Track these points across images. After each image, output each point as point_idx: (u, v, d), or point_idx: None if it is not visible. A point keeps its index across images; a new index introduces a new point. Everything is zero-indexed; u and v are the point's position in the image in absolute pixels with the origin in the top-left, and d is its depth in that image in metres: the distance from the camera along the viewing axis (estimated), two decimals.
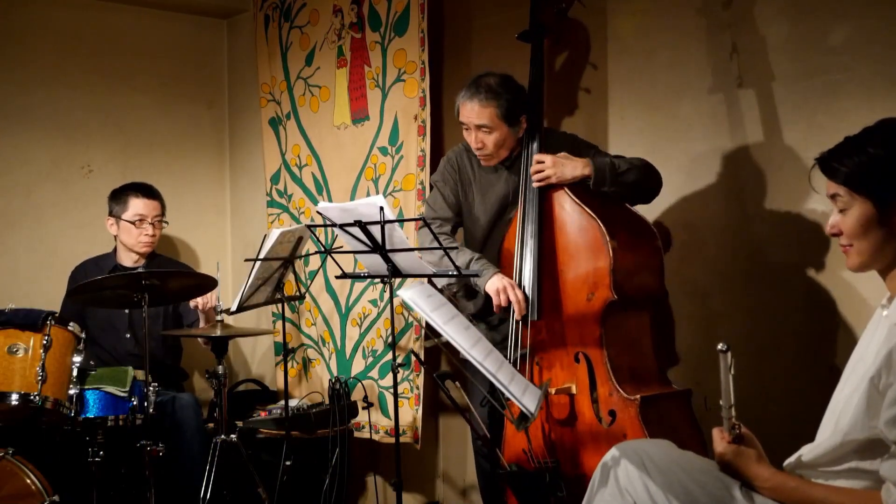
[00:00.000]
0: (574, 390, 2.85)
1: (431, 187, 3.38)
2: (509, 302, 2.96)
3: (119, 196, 4.12)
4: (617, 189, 2.93)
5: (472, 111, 3.09)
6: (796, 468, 2.01)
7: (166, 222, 4.19)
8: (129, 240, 4.08)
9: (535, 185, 2.98)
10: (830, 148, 1.94)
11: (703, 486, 2.04)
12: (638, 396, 2.70)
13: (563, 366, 2.90)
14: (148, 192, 4.13)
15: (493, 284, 2.99)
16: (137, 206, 4.07)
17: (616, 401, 2.74)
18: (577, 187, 2.94)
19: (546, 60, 3.26)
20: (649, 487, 2.07)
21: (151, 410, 3.38)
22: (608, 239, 2.78)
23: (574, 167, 2.94)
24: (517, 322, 2.98)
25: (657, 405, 2.74)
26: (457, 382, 2.88)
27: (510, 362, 2.94)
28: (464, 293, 3.31)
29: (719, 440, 2.06)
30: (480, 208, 3.25)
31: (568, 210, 2.92)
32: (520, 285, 2.98)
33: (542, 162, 2.97)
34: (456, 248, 3.11)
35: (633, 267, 2.84)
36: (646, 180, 3.00)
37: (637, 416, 2.68)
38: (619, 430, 2.71)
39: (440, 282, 3.34)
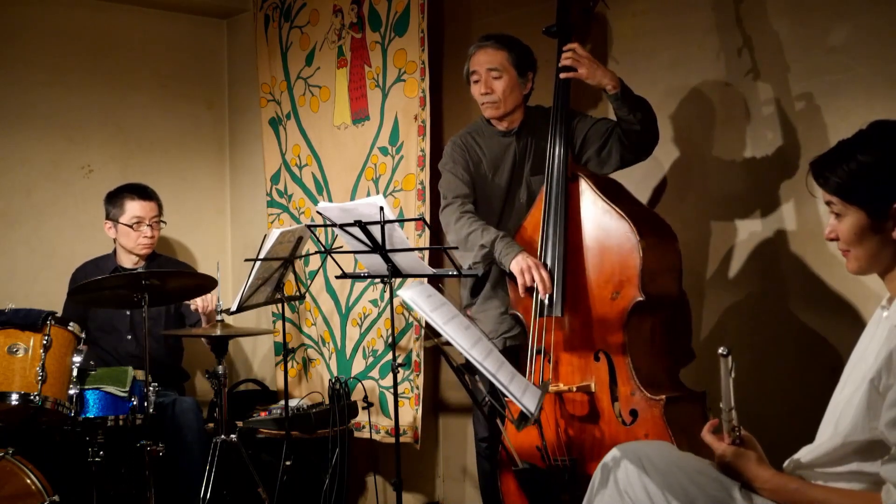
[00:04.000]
0: (593, 388, 2.85)
1: (434, 186, 3.34)
2: (533, 282, 2.89)
3: (115, 199, 4.09)
4: (636, 108, 2.91)
5: (485, 55, 3.14)
6: (796, 469, 2.01)
7: (164, 222, 4.18)
8: (129, 243, 4.07)
9: (561, 75, 2.95)
10: (824, 153, 1.94)
11: (702, 488, 2.04)
12: (663, 397, 2.69)
13: (582, 363, 2.89)
14: (143, 193, 4.10)
15: (518, 264, 2.91)
16: (134, 208, 4.05)
17: (638, 400, 2.74)
18: (603, 184, 2.93)
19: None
20: (648, 489, 2.07)
21: (151, 410, 3.38)
22: (638, 239, 2.77)
23: (604, 73, 2.92)
24: (536, 315, 2.93)
25: (679, 406, 2.74)
26: (476, 376, 2.83)
27: (530, 357, 2.94)
28: (471, 286, 3.29)
29: (717, 442, 2.06)
30: (494, 183, 3.23)
31: (594, 207, 2.90)
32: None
33: (579, 51, 2.93)
34: (456, 248, 3.09)
35: (659, 267, 2.83)
36: (654, 117, 3.00)
37: (661, 417, 2.67)
38: (640, 430, 2.71)
39: (466, 263, 3.31)
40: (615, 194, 2.92)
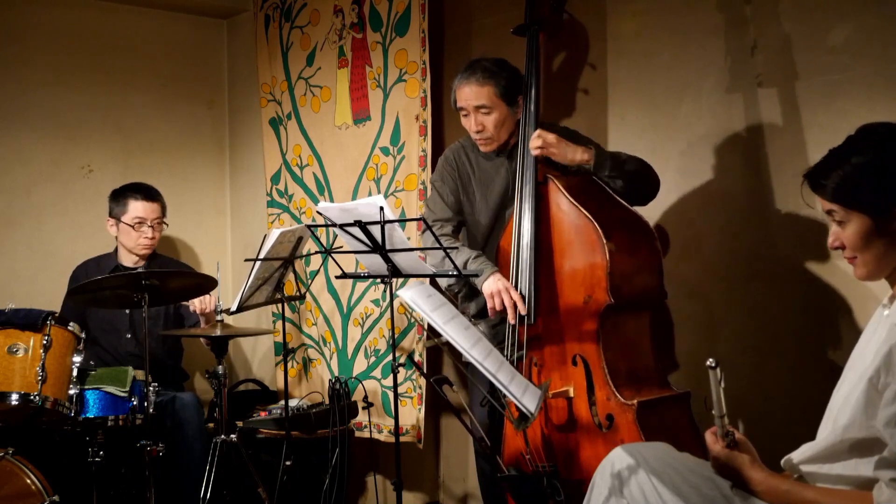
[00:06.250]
0: (571, 394, 2.83)
1: (431, 188, 3.37)
2: (503, 305, 2.93)
3: (119, 197, 4.10)
4: (615, 175, 2.90)
5: (471, 92, 3.08)
6: (794, 465, 2.01)
7: (166, 224, 4.18)
8: (129, 242, 4.08)
9: (533, 152, 2.92)
10: (816, 163, 1.93)
11: (696, 487, 2.06)
12: (635, 402, 2.67)
13: (560, 369, 2.88)
14: (148, 193, 4.11)
15: (489, 287, 2.95)
16: (137, 208, 4.06)
17: (614, 405, 2.71)
18: (574, 186, 2.91)
19: (543, 55, 3.25)
20: (644, 488, 2.09)
21: (151, 410, 3.38)
22: (604, 241, 2.74)
23: (575, 150, 2.92)
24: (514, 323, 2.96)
25: (655, 409, 2.72)
26: (454, 387, 2.86)
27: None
28: (466, 293, 3.30)
29: (714, 443, 2.06)
30: (482, 204, 3.24)
31: (564, 210, 2.89)
32: (516, 286, 2.95)
33: (546, 137, 2.92)
34: (456, 248, 3.10)
35: (631, 269, 2.81)
36: (645, 173, 2.99)
37: (634, 421, 2.65)
38: (616, 435, 2.69)
39: (443, 282, 3.33)
40: (587, 196, 2.88)
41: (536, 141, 2.92)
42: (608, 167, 2.90)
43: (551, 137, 2.92)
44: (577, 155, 2.92)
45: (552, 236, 2.92)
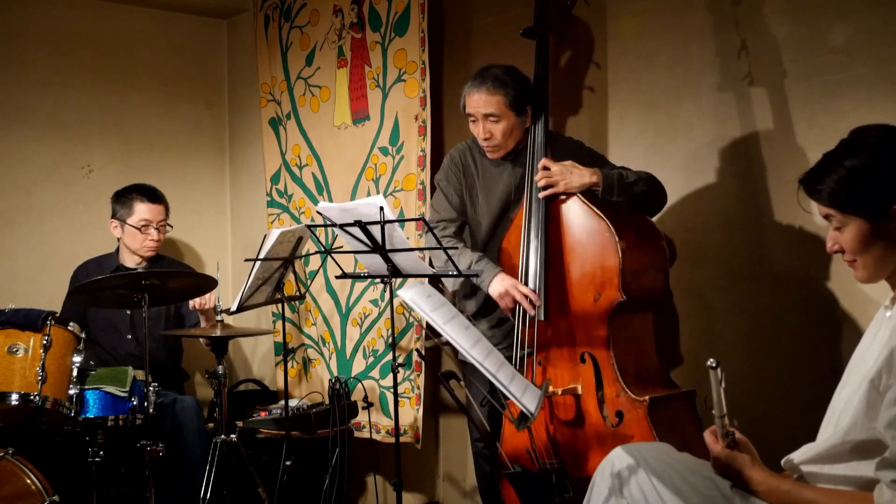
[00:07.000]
0: (580, 391, 2.84)
1: (434, 188, 3.37)
2: (516, 302, 2.94)
3: (123, 199, 4.09)
4: (624, 198, 2.91)
5: (480, 100, 3.09)
6: (794, 466, 2.01)
7: (170, 225, 4.18)
8: (134, 244, 4.07)
9: (540, 195, 2.94)
10: (810, 168, 1.93)
11: (695, 487, 2.06)
12: (647, 398, 2.69)
13: (568, 366, 2.89)
14: (153, 195, 4.09)
15: (496, 288, 2.96)
16: (143, 211, 4.04)
17: (623, 402, 2.73)
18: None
19: (551, 58, 3.26)
20: (644, 488, 2.09)
21: (151, 410, 3.38)
22: (617, 239, 2.76)
23: (581, 175, 2.91)
24: (521, 321, 2.96)
25: (665, 406, 2.73)
26: (461, 382, 2.86)
27: (515, 362, 2.94)
28: (465, 293, 3.31)
29: (713, 443, 2.07)
30: (484, 206, 3.24)
31: (574, 209, 2.91)
32: (524, 285, 2.95)
33: (549, 169, 2.94)
34: (457, 248, 3.10)
35: (641, 267, 2.83)
36: (652, 192, 2.99)
37: (646, 418, 2.67)
38: (626, 432, 2.70)
39: (446, 283, 3.34)
40: (596, 195, 2.91)
41: (542, 182, 2.93)
42: (616, 192, 2.90)
43: (556, 169, 2.93)
44: (584, 179, 2.91)
45: (562, 234, 2.93)
